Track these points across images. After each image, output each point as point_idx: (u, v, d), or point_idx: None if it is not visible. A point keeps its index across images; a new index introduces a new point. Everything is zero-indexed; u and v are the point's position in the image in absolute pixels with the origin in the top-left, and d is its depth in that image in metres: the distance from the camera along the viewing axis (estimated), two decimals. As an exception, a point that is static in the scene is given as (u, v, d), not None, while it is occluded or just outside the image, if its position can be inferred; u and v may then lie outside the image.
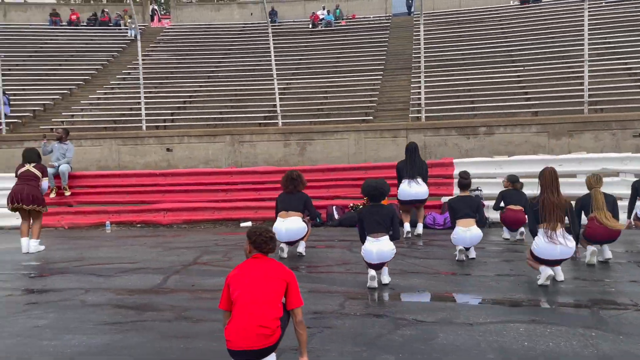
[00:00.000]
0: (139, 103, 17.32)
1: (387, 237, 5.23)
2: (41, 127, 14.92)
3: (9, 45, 24.25)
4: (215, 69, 21.30)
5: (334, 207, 9.08)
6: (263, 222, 9.58)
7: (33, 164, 7.58)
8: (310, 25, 26.30)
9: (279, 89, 18.21)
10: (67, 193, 9.91)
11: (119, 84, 20.04)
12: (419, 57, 20.69)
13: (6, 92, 15.97)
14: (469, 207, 6.26)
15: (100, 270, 6.29)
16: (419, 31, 24.16)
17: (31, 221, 7.56)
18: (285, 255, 6.57)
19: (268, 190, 9.44)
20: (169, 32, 27.43)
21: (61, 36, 26.03)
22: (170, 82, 19.55)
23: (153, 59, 23.32)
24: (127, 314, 4.67)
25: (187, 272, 6.13)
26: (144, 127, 12.70)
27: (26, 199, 7.38)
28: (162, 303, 4.95)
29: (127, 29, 27.09)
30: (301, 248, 6.66)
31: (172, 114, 16.09)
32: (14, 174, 7.73)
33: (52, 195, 9.89)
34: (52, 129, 14.94)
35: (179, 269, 6.28)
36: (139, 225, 9.75)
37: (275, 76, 13.27)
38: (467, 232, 6.16)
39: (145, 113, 16.13)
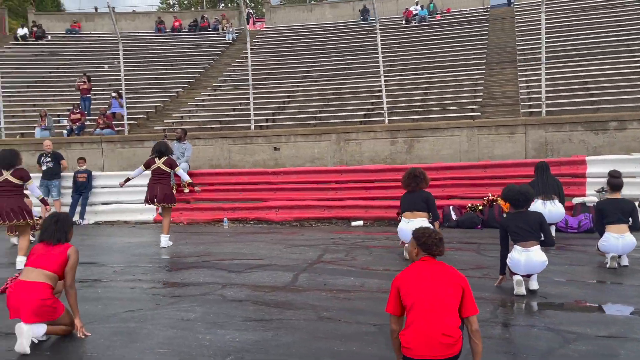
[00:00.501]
0: (241, 104, 17.93)
1: (538, 246, 4.82)
2: (155, 127, 15.84)
3: (118, 51, 26.02)
4: (311, 68, 21.49)
5: (450, 208, 8.71)
6: (374, 222, 9.44)
7: (163, 160, 7.95)
8: (404, 22, 25.80)
9: (376, 86, 18.05)
10: (186, 190, 10.37)
11: (220, 85, 20.83)
12: (524, 50, 19.68)
13: (122, 96, 17.14)
14: (620, 210, 5.65)
15: (229, 266, 6.44)
16: (521, 22, 23.04)
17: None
18: (407, 256, 6.34)
19: (378, 189, 9.27)
20: (264, 34, 28.14)
21: (166, 42, 27.59)
22: (269, 83, 19.98)
23: (251, 61, 23.93)
24: (270, 311, 4.69)
25: (314, 270, 6.11)
26: (252, 127, 13.03)
27: (159, 198, 7.77)
28: (300, 302, 4.92)
29: (225, 33, 28.19)
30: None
31: (273, 114, 16.41)
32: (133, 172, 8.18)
33: (186, 190, 10.40)
34: (164, 129, 15.81)
35: (305, 266, 6.27)
36: (252, 222, 9.98)
37: (382, 72, 13.05)
38: (619, 239, 5.56)
39: (253, 113, 16.64)
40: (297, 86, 19.22)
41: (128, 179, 8.28)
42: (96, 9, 32.11)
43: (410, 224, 6.13)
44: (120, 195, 10.66)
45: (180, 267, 6.56)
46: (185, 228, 9.85)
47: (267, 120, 15.81)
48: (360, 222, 9.23)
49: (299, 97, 17.91)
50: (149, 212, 10.47)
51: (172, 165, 8.00)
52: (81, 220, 10.54)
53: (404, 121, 13.57)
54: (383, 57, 21.15)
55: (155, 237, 8.90)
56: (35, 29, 28.32)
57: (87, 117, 15.78)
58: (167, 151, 8.05)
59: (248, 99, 18.47)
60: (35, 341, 4.05)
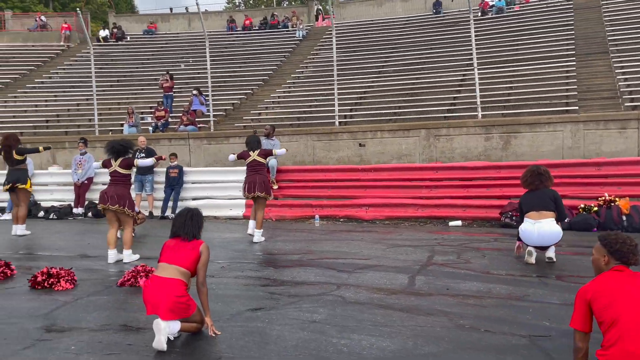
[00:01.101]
0: (318, 100, 17.83)
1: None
2: (235, 124, 16.03)
3: (194, 51, 26.83)
4: (385, 63, 21.07)
5: (560, 208, 8.10)
6: (472, 222, 8.98)
7: (257, 152, 7.90)
8: (480, 14, 24.78)
9: (456, 81, 17.39)
10: (275, 187, 10.33)
11: (294, 82, 20.84)
12: (616, 40, 18.31)
13: (202, 93, 17.50)
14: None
15: (336, 265, 6.25)
16: (609, 11, 21.49)
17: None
18: (533, 261, 5.89)
19: (478, 187, 8.80)
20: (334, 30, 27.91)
21: (237, 40, 28.02)
22: (343, 79, 19.74)
23: (322, 57, 23.88)
24: (399, 316, 4.43)
25: (429, 273, 5.79)
26: (336, 123, 12.83)
27: (259, 188, 7.73)
28: (428, 307, 4.63)
29: (295, 30, 28.26)
30: (551, 253, 5.92)
31: (351, 110, 16.17)
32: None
33: (275, 187, 10.39)
34: (244, 126, 15.97)
35: (418, 268, 5.97)
36: (341, 219, 9.79)
37: (476, 65, 12.46)
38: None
39: (331, 109, 16.47)
40: (373, 82, 18.88)
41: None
42: (171, 9, 33.19)
43: (538, 225, 5.67)
44: (210, 190, 10.80)
45: (286, 265, 6.44)
46: (275, 224, 9.80)
47: (345, 117, 15.58)
48: (459, 222, 8.80)
49: (376, 93, 17.55)
50: (238, 208, 10.53)
51: (266, 154, 7.96)
52: (173, 215, 10.74)
53: (492, 116, 12.91)
54: (461, 50, 20.46)
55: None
56: (115, 30, 29.62)
57: (170, 114, 16.20)
58: (259, 144, 8.01)
59: (324, 95, 18.42)
60: (171, 338, 4.00)
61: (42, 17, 30.64)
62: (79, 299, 5.30)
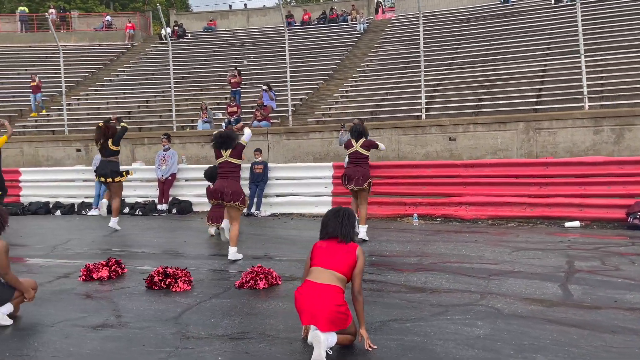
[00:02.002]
0: (388, 93, 17.25)
1: None
2: (308, 119, 15.69)
3: (253, 46, 26.77)
4: (454, 55, 20.19)
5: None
6: (591, 223, 8.21)
7: (361, 142, 7.47)
8: (553, 1, 23.44)
9: (537, 71, 16.36)
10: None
11: (360, 76, 20.32)
12: None
13: (272, 88, 17.27)
14: None
15: (465, 270, 5.71)
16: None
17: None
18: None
19: (597, 185, 8.02)
20: (395, 23, 27.22)
21: (296, 35, 27.74)
22: (411, 72, 19.06)
23: (386, 50, 23.25)
24: (578, 333, 3.85)
25: (580, 281, 5.17)
26: (423, 116, 12.22)
27: (361, 181, 7.30)
28: (608, 323, 4.03)
29: (355, 24, 27.71)
30: None
31: (426, 103, 15.48)
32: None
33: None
34: (317, 121, 15.60)
35: (564, 276, 5.35)
36: (439, 219, 9.22)
37: (582, 52, 11.40)
38: None
39: (406, 102, 15.88)
40: (444, 74, 18.08)
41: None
42: (230, 6, 33.37)
43: None
44: (295, 187, 10.46)
45: (407, 269, 5.95)
46: (367, 223, 9.31)
47: (420, 110, 14.92)
48: (576, 223, 8.04)
49: (450, 86, 16.77)
50: (325, 205, 10.12)
51: (370, 146, 7.48)
52: (258, 212, 10.48)
53: (592, 107, 11.89)
54: (534, 40, 19.36)
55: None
56: (176, 28, 29.98)
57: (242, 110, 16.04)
58: (363, 134, 7.55)
59: (394, 88, 17.83)
60: (329, 352, 3.59)
61: (108, 17, 31.42)
62: (202, 301, 5.00)
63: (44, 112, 18.97)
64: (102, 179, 8.82)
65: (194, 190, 11.20)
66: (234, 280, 5.68)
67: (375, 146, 7.60)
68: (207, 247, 7.72)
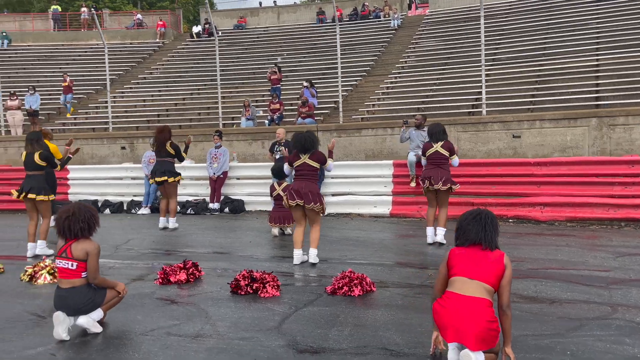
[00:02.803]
0: (432, 90, 16.73)
1: None
2: (353, 117, 15.29)
3: (285, 44, 26.46)
4: (496, 51, 19.56)
5: None
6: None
7: (440, 143, 7.02)
8: (596, -6, 22.60)
9: (590, 66, 15.67)
10: (412, 184, 9.41)
11: (400, 72, 19.86)
12: None
13: (314, 85, 16.89)
14: None
15: (575, 278, 5.27)
16: None
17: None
18: None
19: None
20: (430, 19, 26.64)
21: (328, 32, 27.35)
22: (453, 68, 18.52)
23: (423, 46, 22.73)
24: None
25: None
26: (484, 112, 11.70)
27: (443, 180, 6.86)
28: None
29: (389, 20, 27.21)
30: None
31: (476, 99, 14.96)
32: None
33: (413, 184, 9.51)
34: (362, 118, 15.19)
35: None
36: (511, 220, 8.72)
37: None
38: None
39: (446, 100, 15.38)
40: (490, 70, 17.46)
41: None
42: (260, 3, 33.16)
43: None
44: (352, 186, 10.06)
45: (521, 275, 5.47)
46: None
47: (472, 107, 14.42)
48: (669, 226, 7.50)
49: (499, 82, 16.17)
50: (384, 205, 9.72)
51: (451, 150, 7.03)
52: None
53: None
54: (580, 33, 18.61)
55: (417, 232, 8.07)
56: (207, 26, 29.83)
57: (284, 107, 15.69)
58: (444, 134, 7.09)
59: (439, 84, 17.31)
60: (478, 374, 3.16)
61: (139, 16, 31.44)
62: (298, 309, 4.63)
63: (72, 111, 18.77)
64: (158, 180, 8.56)
65: (245, 188, 10.89)
66: (321, 285, 5.31)
67: (454, 152, 7.09)
68: (275, 249, 7.36)
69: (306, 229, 6.35)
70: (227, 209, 10.55)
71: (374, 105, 16.24)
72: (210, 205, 10.75)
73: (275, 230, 8.00)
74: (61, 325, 4.08)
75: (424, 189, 7.16)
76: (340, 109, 13.64)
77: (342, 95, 18.50)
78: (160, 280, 5.64)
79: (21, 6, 44.22)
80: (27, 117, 16.66)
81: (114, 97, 21.54)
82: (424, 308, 4.40)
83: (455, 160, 7.11)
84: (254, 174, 10.98)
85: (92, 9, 32.35)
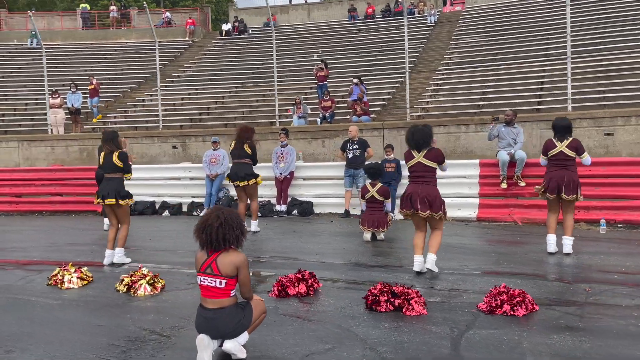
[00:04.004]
0: (488, 86, 15.99)
1: None
2: (411, 113, 14.60)
3: (316, 41, 25.88)
4: (549, 46, 18.77)
5: None
6: None
7: (566, 143, 6.32)
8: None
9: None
10: (522, 183, 8.71)
11: (446, 69, 19.17)
12: None
13: (363, 81, 16.23)
14: None
15: None
16: None
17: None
18: None
19: None
20: (467, 15, 25.90)
21: (361, 29, 26.76)
22: (500, 64, 17.77)
23: (466, 42, 22.00)
24: None
25: None
26: (569, 108, 10.97)
27: (566, 186, 6.16)
28: None
29: (424, 17, 26.55)
30: None
31: (539, 96, 14.23)
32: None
33: (504, 185, 8.83)
34: (419, 115, 14.52)
35: None
36: (620, 225, 8.00)
37: None
38: None
39: (504, 96, 14.66)
40: (549, 65, 16.68)
41: None
42: (290, 0, 32.62)
43: None
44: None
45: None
46: (531, 229, 8.19)
47: (538, 103, 13.69)
48: None
49: (560, 77, 15.33)
50: (469, 208, 9.06)
51: (578, 149, 6.31)
52: (392, 214, 9.46)
53: None
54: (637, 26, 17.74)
55: (524, 238, 7.41)
56: (237, 24, 29.35)
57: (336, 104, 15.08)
58: (569, 129, 6.39)
59: (491, 80, 16.55)
60: None
61: (167, 14, 31.04)
62: (463, 332, 4.00)
63: (99, 118, 18.20)
64: (238, 183, 7.99)
65: (313, 189, 10.29)
66: (467, 302, 4.67)
67: (583, 150, 6.34)
68: (376, 256, 6.74)
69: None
70: (295, 211, 9.95)
71: (427, 102, 15.57)
72: (277, 207, 10.16)
73: (368, 235, 7.38)
74: (206, 350, 3.50)
75: (537, 192, 6.48)
76: (408, 106, 12.98)
77: (391, 92, 17.92)
78: (277, 293, 5.04)
79: (43, 6, 44.12)
80: (69, 116, 16.23)
81: (151, 95, 21.09)
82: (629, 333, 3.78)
83: (587, 158, 6.41)
84: (322, 174, 10.38)
85: (122, 7, 32.05)
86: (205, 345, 3.51)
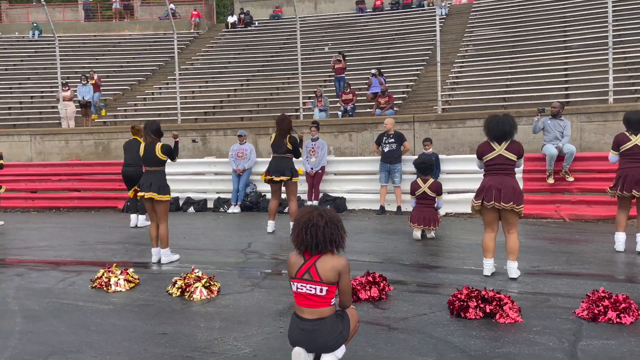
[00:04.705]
0: (513, 78, 15.60)
1: None
2: (433, 106, 14.23)
3: (325, 34, 25.40)
4: (565, 38, 18.41)
5: None
6: None
7: None
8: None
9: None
10: (570, 179, 8.36)
11: (462, 61, 18.79)
12: None
13: (382, 73, 15.84)
14: None
15: None
16: None
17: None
18: None
19: None
20: (479, 7, 25.50)
21: (370, 22, 26.32)
22: (517, 56, 17.40)
23: (480, 34, 21.61)
24: None
25: None
26: (610, 100, 10.60)
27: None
28: None
29: (433, 9, 26.11)
30: None
31: (566, 88, 13.88)
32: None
33: (550, 180, 8.47)
34: (443, 109, 14.12)
35: None
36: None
37: None
38: None
39: (535, 89, 14.28)
40: (567, 57, 16.33)
41: None
42: (297, -8, 32.02)
43: None
44: (471, 182, 8.98)
45: None
46: (581, 226, 7.85)
47: (566, 96, 13.34)
48: None
49: (593, 69, 14.89)
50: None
51: None
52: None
53: None
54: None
55: (585, 236, 7.06)
56: (242, 16, 28.81)
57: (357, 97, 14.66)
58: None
59: (513, 73, 16.19)
60: None
61: (172, 5, 30.40)
62: (572, 342, 3.64)
63: (103, 114, 17.67)
64: (276, 178, 7.58)
65: (345, 185, 9.90)
66: (555, 307, 4.31)
67: None
68: (432, 255, 6.37)
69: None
70: (328, 207, 9.53)
71: (450, 95, 15.19)
72: (308, 203, 9.76)
73: (418, 233, 7.01)
74: (302, 364, 3.12)
75: (609, 191, 6.12)
76: (439, 98, 12.59)
77: (410, 85, 17.51)
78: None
79: (43, -2, 43.33)
80: (79, 109, 15.75)
81: (160, 88, 20.61)
82: None
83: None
84: (355, 169, 9.99)
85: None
86: (302, 359, 3.14)
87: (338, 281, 3.18)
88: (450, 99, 15.14)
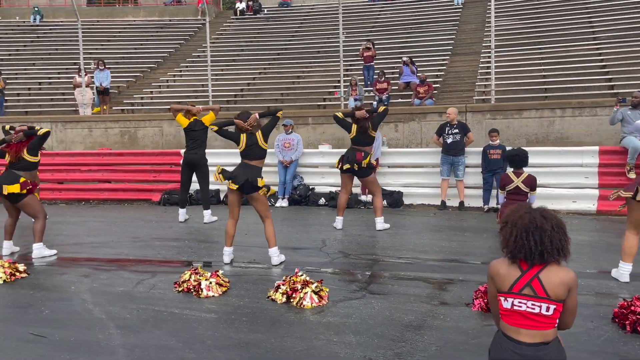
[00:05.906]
0: (548, 70, 15.10)
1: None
2: (469, 96, 13.70)
3: (337, 22, 24.64)
4: (592, 28, 17.94)
5: None
6: None
7: None
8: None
9: None
10: (631, 175, 7.87)
11: (488, 51, 18.15)
12: None
13: (414, 62, 15.25)
14: None
15: None
16: None
17: None
18: None
19: None
20: (496, -4, 24.90)
21: (384, 10, 25.65)
22: (547, 46, 16.92)
23: (501, 25, 21.04)
24: None
25: None
26: None
27: None
28: None
29: (451, -3, 25.53)
30: None
31: (609, 78, 13.40)
32: None
33: (632, 175, 7.98)
34: (483, 100, 13.59)
35: None
36: None
37: None
38: None
39: (576, 80, 13.80)
40: (599, 47, 15.86)
41: None
42: (306, -21, 31.23)
43: None
44: (543, 177, 8.44)
45: None
46: None
47: (610, 87, 12.85)
48: None
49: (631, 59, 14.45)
50: (586, 200, 8.21)
51: None
52: (486, 206, 8.59)
53: None
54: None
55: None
56: (251, 3, 27.98)
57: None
58: None
59: (544, 64, 15.71)
60: None
61: (178, -9, 29.50)
62: None
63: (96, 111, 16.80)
64: (351, 167, 7.02)
65: (400, 178, 9.33)
66: None
67: None
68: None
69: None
70: (384, 202, 8.96)
71: (486, 86, 14.63)
72: (362, 198, 9.20)
73: (505, 231, 6.45)
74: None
75: None
76: (493, 87, 12.03)
77: (440, 75, 16.93)
78: (484, 306, 4.13)
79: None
80: (97, 95, 14.95)
81: (174, 75, 19.81)
82: None
83: None
84: (411, 162, 9.42)
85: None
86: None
87: (566, 298, 2.61)
88: (487, 89, 14.58)
